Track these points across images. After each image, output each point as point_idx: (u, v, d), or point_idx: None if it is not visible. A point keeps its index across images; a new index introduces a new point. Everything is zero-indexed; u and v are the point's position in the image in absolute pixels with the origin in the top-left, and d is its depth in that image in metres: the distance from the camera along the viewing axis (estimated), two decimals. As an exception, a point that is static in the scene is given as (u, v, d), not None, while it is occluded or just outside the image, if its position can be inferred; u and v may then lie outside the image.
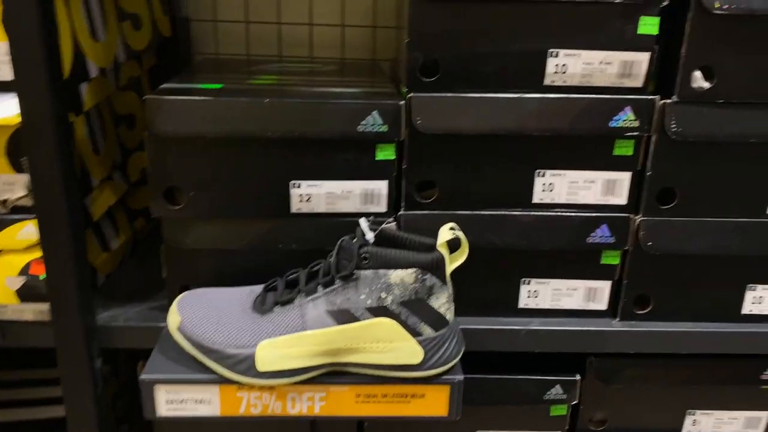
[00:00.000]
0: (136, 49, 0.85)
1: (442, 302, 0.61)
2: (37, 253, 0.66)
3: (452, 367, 0.64)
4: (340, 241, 0.62)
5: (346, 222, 0.69)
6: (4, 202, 0.65)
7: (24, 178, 0.64)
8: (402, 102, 0.65)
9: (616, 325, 0.75)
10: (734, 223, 0.72)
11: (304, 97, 0.66)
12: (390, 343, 0.61)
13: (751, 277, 0.75)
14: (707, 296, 0.76)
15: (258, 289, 0.66)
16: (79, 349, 0.69)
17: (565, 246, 0.72)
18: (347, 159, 0.67)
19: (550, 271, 0.74)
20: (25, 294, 0.67)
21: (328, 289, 0.61)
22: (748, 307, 0.76)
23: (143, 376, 0.62)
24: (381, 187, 0.69)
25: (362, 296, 0.60)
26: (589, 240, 0.72)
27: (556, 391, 0.78)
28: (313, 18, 1.03)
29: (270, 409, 0.63)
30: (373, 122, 0.66)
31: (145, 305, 0.75)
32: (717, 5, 0.62)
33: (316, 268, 0.64)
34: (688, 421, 0.83)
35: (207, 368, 0.62)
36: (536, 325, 0.74)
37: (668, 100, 0.67)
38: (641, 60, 0.66)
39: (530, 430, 0.81)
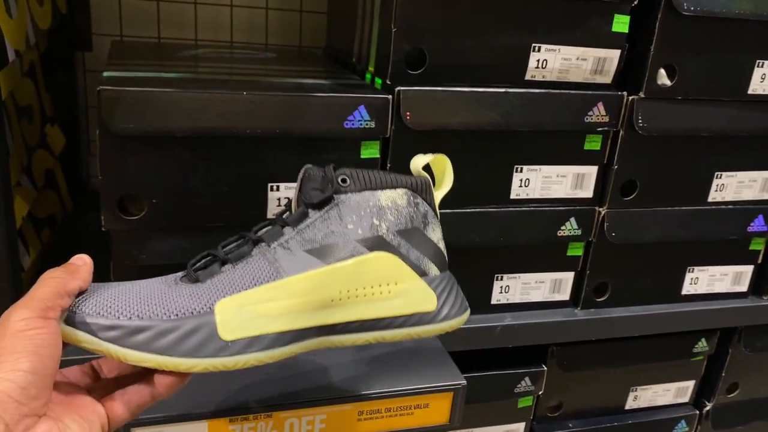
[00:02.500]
0: (43, 28, 0.71)
1: (439, 236, 0.51)
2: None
3: (466, 318, 0.53)
4: (303, 170, 0.48)
5: (326, 226, 0.63)
6: None
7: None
8: (390, 96, 0.61)
9: (579, 314, 0.78)
10: (681, 211, 0.77)
11: (281, 89, 0.60)
12: (395, 285, 0.48)
13: (690, 260, 0.81)
14: (654, 280, 0.81)
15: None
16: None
17: (538, 240, 0.73)
18: (331, 158, 0.62)
19: (521, 265, 0.74)
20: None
21: (301, 225, 0.46)
22: (687, 288, 0.82)
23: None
24: (365, 187, 0.64)
25: (350, 226, 0.47)
26: (559, 233, 0.73)
27: (525, 384, 0.79)
28: (233, -1, 0.94)
29: (266, 440, 0.55)
30: (360, 118, 0.61)
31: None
32: (685, 6, 0.66)
33: (262, 230, 0.47)
34: (631, 396, 0.89)
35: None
36: (509, 320, 0.74)
37: (635, 97, 0.69)
38: (613, 57, 0.68)
39: (500, 424, 0.81)
